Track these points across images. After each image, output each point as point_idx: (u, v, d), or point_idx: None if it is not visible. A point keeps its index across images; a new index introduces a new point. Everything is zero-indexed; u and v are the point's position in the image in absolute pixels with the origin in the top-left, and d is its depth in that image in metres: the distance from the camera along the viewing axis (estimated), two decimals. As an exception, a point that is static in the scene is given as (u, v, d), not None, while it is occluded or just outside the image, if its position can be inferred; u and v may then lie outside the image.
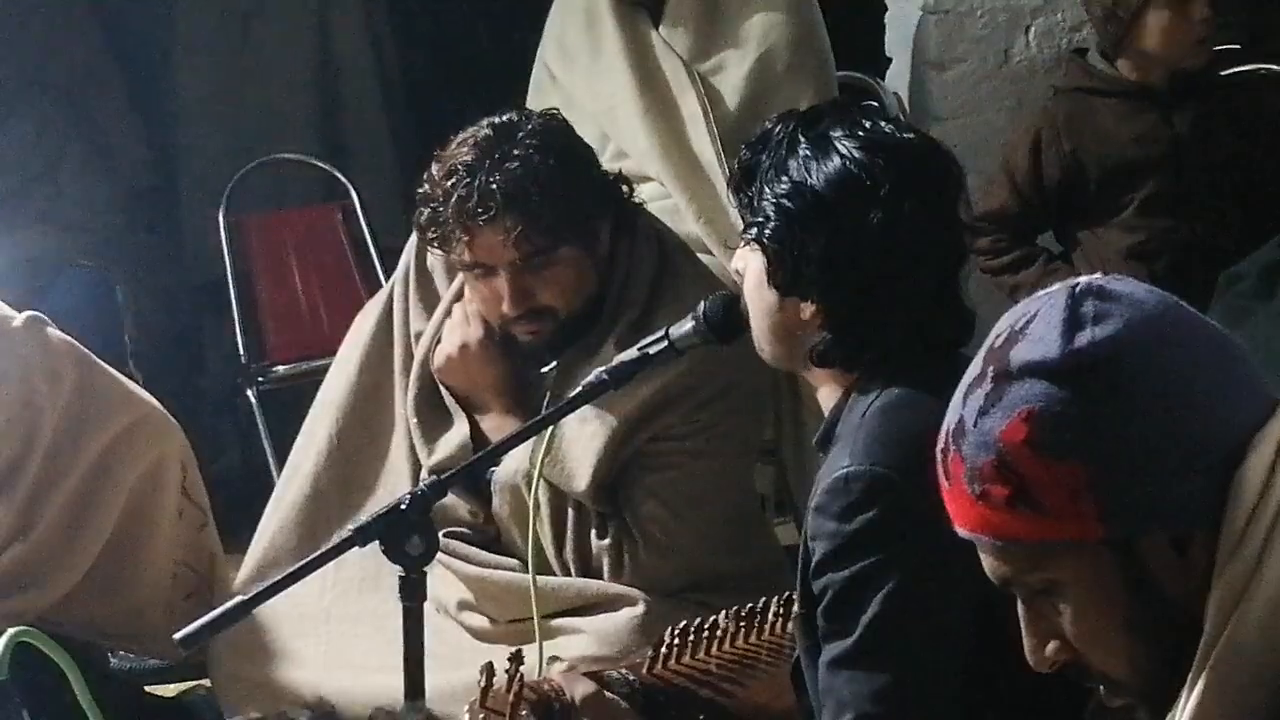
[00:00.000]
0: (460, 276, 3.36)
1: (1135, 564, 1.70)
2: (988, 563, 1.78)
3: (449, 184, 3.18)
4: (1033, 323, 1.75)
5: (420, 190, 3.26)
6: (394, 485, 3.37)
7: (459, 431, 3.34)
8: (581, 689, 2.51)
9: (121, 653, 3.97)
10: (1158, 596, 1.71)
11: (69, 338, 3.57)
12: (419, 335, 3.43)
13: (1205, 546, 1.69)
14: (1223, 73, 4.47)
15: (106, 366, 3.61)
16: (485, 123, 3.24)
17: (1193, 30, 4.11)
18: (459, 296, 3.40)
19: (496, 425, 3.31)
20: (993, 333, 1.79)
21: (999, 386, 1.73)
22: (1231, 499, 1.68)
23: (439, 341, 3.40)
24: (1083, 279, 1.77)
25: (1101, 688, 1.79)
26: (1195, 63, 4.15)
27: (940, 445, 1.79)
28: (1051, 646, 1.78)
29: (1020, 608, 1.79)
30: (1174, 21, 4.11)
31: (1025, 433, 1.70)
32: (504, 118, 3.24)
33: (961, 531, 1.78)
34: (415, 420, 3.38)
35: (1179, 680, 1.70)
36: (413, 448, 3.40)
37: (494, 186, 3.14)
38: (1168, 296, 1.77)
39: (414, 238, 3.44)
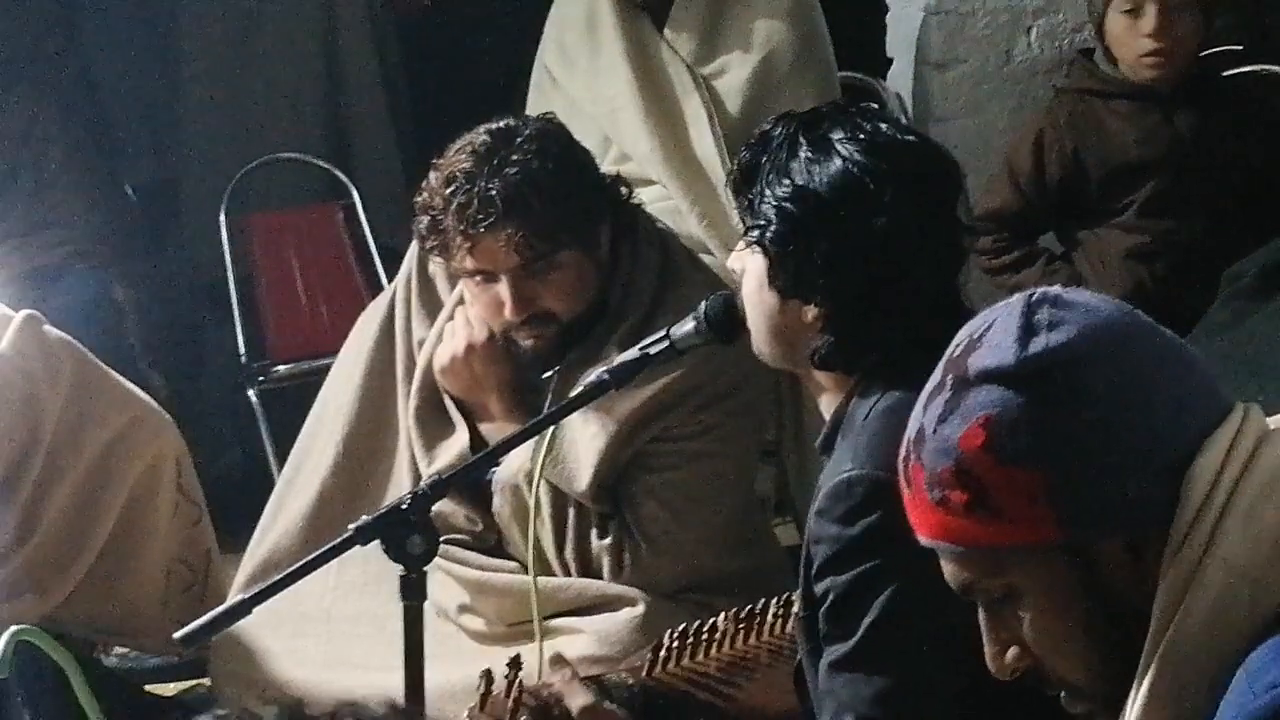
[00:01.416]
0: (462, 283, 3.36)
1: (1092, 568, 1.72)
2: (948, 570, 1.80)
3: (448, 191, 3.18)
4: (989, 331, 1.77)
5: (419, 199, 3.26)
6: (399, 493, 3.36)
7: (459, 439, 3.34)
8: (580, 699, 2.50)
9: (120, 651, 3.98)
10: (1115, 600, 1.73)
11: (66, 336, 3.58)
12: (421, 342, 3.43)
13: (1160, 550, 1.70)
14: (1225, 74, 4.46)
15: (102, 364, 3.61)
16: (482, 130, 3.24)
17: (1138, 42, 4.10)
18: (462, 302, 3.40)
19: (497, 428, 3.31)
20: (953, 342, 1.81)
21: (957, 394, 1.75)
22: (1181, 501, 1.70)
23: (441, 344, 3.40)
24: (1039, 289, 1.79)
25: (1062, 694, 1.80)
26: (1155, 74, 4.13)
27: (902, 454, 1.81)
28: (1011, 653, 1.79)
29: (981, 615, 1.81)
30: (1126, 30, 4.12)
31: (983, 438, 1.72)
32: (501, 124, 3.25)
33: (923, 539, 1.81)
34: (416, 428, 3.38)
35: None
36: (415, 455, 3.40)
37: (493, 193, 3.14)
38: (1123, 305, 1.79)
39: (414, 245, 3.44)
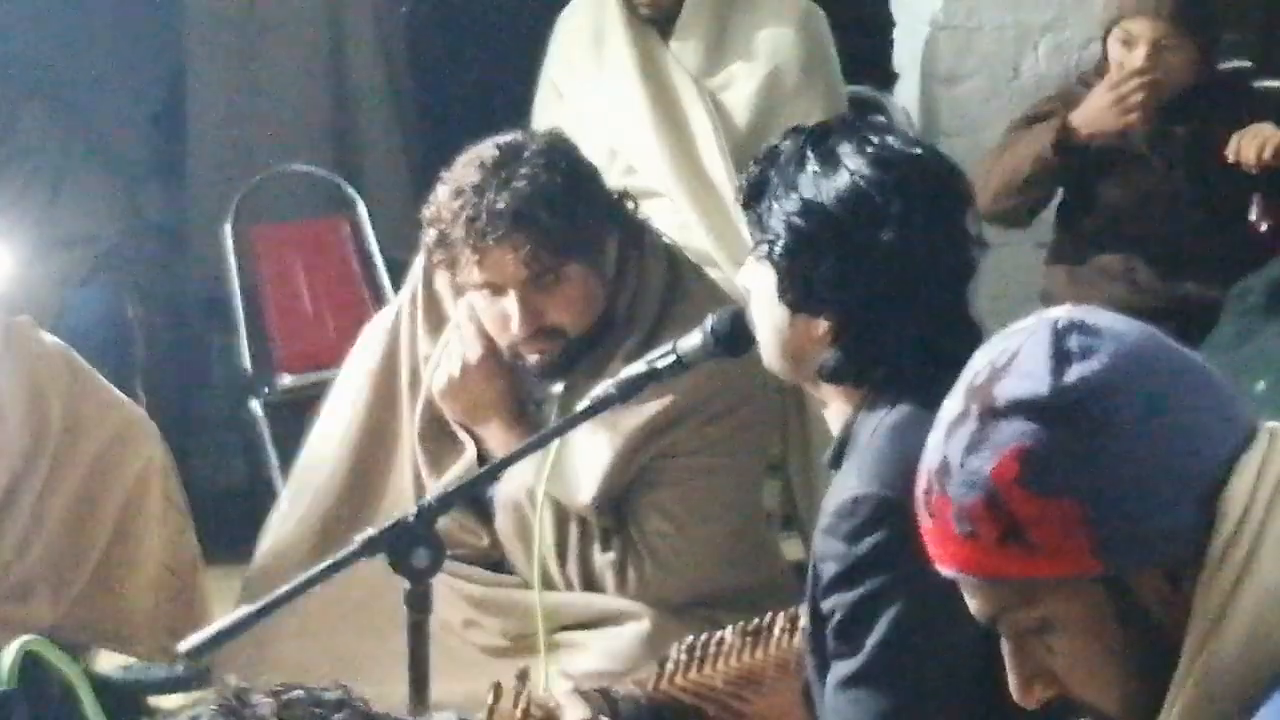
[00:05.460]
0: (468, 297, 3.35)
1: (1128, 598, 1.70)
2: (974, 602, 1.76)
3: (457, 204, 3.18)
4: (1016, 359, 1.73)
5: (427, 212, 3.26)
6: (404, 508, 3.36)
7: (466, 458, 3.33)
8: (574, 713, 2.50)
9: (125, 663, 3.98)
10: (1151, 629, 1.70)
11: (58, 340, 3.60)
12: (427, 357, 3.42)
13: (1196, 576, 1.68)
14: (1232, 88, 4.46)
15: (93, 371, 3.63)
16: (490, 143, 3.25)
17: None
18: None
19: (501, 445, 3.30)
20: (969, 369, 1.77)
21: (985, 424, 1.71)
22: (1215, 526, 1.68)
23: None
24: (1060, 314, 1.75)
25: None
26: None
27: (923, 486, 1.77)
28: (1039, 683, 1.76)
29: (1006, 645, 1.77)
30: (1120, 61, 4.15)
31: (1016, 471, 1.68)
32: (509, 138, 3.25)
33: (946, 570, 1.77)
34: (422, 449, 3.37)
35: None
36: (419, 473, 3.39)
37: (501, 205, 3.14)
38: (1145, 326, 1.77)
39: (420, 259, 3.43)
